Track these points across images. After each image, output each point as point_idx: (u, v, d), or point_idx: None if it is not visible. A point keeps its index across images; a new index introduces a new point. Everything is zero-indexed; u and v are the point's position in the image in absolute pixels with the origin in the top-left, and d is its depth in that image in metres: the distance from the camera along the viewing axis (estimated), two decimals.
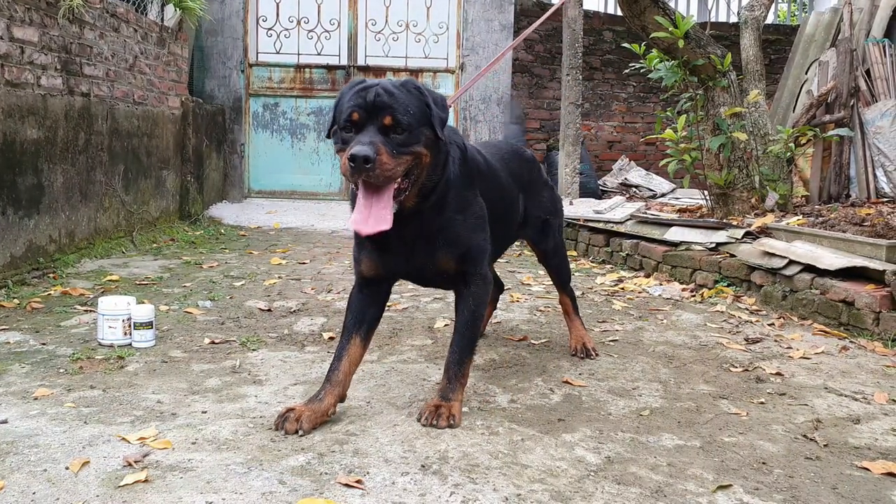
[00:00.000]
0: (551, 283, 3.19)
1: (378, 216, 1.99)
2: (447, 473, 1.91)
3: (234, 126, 7.96)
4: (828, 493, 1.90)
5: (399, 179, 2.04)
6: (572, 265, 5.05)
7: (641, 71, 5.35)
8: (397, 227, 2.06)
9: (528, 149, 3.08)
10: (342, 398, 2.29)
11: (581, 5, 6.57)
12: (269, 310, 3.68)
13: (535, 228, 2.92)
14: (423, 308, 3.83)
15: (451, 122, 8.39)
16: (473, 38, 8.12)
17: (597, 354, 2.99)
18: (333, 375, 2.27)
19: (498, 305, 3.78)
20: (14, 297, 3.69)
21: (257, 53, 8.05)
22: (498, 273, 3.34)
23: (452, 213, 2.24)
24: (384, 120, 1.99)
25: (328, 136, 2.13)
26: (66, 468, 1.88)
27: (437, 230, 2.23)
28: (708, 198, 5.42)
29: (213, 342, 3.08)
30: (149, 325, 2.99)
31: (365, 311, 2.35)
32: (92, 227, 4.96)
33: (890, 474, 2.00)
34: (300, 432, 2.12)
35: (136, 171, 5.69)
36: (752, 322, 3.62)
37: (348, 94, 2.06)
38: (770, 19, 10.29)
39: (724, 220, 4.81)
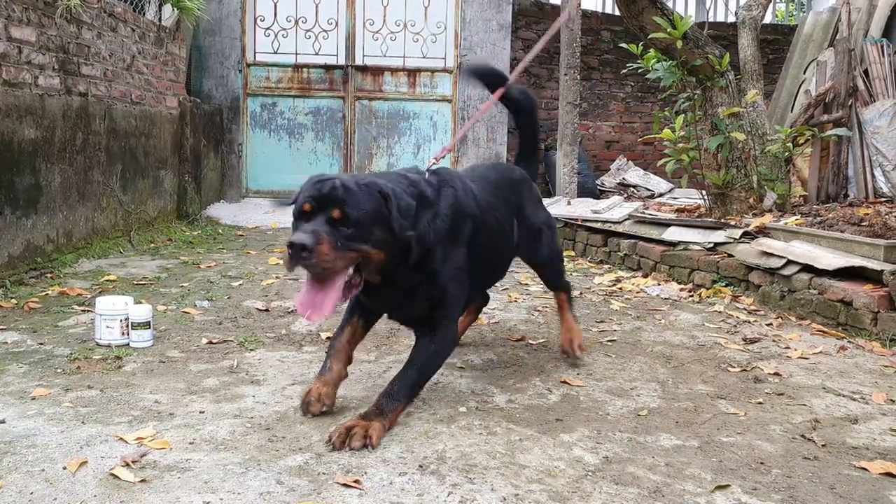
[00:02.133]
0: None
1: (319, 304, 1.99)
2: (445, 473, 1.91)
3: (232, 126, 7.95)
4: (826, 492, 1.90)
5: (350, 273, 2.04)
6: (570, 265, 5.06)
7: (639, 71, 5.36)
8: (374, 286, 2.15)
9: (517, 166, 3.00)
10: (349, 361, 2.36)
11: (579, 5, 6.57)
12: (266, 310, 3.68)
13: (527, 244, 2.86)
14: None
15: (448, 122, 8.41)
16: (471, 38, 8.12)
17: (582, 351, 2.90)
18: (335, 343, 2.36)
19: (496, 306, 3.79)
20: (12, 297, 3.68)
21: (255, 53, 8.05)
22: None
23: (434, 267, 2.23)
24: (333, 212, 1.97)
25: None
26: (64, 468, 1.88)
27: (416, 284, 2.24)
28: (706, 197, 5.43)
29: (210, 342, 3.07)
30: (146, 325, 2.99)
31: (362, 309, 2.42)
32: (90, 227, 4.95)
33: (888, 474, 2.00)
34: (325, 408, 2.24)
35: (134, 171, 5.68)
36: (750, 322, 3.62)
37: (306, 185, 2.07)
38: (768, 19, 10.30)
39: (723, 220, 4.81)
